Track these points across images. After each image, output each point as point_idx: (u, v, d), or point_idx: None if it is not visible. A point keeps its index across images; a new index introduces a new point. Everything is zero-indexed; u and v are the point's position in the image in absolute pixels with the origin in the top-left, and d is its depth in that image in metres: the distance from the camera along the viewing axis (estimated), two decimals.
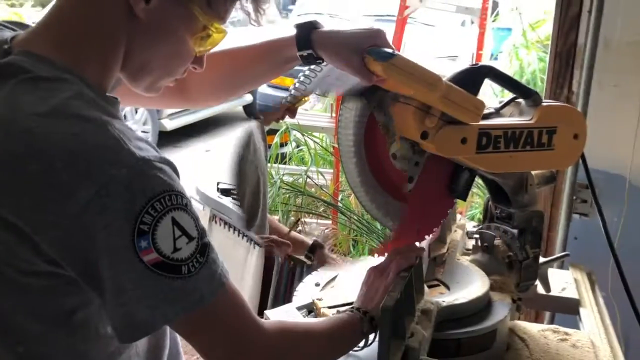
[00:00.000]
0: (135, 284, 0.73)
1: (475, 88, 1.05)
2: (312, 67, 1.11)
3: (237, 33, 1.00)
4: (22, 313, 0.78)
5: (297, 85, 1.14)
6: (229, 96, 1.21)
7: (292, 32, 1.06)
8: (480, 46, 3.85)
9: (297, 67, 1.14)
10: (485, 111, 1.12)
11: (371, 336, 0.98)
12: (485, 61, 4.23)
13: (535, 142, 1.13)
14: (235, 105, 7.70)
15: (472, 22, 5.06)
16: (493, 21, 5.41)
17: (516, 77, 4.57)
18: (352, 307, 0.99)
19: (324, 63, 1.07)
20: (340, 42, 1.00)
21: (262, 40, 1.12)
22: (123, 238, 0.71)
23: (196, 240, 0.75)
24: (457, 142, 1.05)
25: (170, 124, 6.23)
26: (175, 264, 0.73)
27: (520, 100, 1.17)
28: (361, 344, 0.97)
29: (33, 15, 11.68)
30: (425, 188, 1.13)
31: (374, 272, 1.05)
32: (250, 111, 7.82)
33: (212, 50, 0.93)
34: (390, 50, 0.97)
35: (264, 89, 6.50)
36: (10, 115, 0.73)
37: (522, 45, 4.69)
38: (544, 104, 1.14)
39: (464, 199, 1.21)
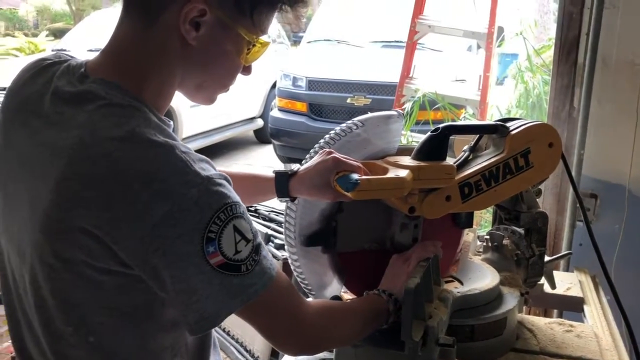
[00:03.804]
0: (204, 284, 0.83)
1: (442, 151, 1.14)
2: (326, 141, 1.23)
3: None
4: (96, 307, 0.88)
5: (325, 140, 1.24)
6: None
7: (271, 175, 1.19)
8: (487, 69, 3.98)
9: None
10: (462, 154, 1.22)
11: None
12: (492, 84, 4.35)
13: (514, 168, 1.19)
14: (246, 130, 7.87)
15: (479, 47, 5.21)
16: (498, 46, 5.56)
17: (522, 100, 4.68)
18: (378, 290, 1.11)
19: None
20: (311, 185, 1.13)
21: (247, 171, 1.27)
22: (194, 245, 0.81)
23: (252, 242, 0.86)
24: (443, 202, 1.14)
25: None
26: (237, 264, 0.84)
27: None
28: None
29: (48, 44, 11.99)
30: (434, 230, 1.24)
31: (398, 260, 1.17)
32: (261, 136, 7.99)
33: None
34: (354, 179, 1.05)
35: (275, 113, 6.67)
36: (90, 140, 0.83)
37: (527, 69, 4.80)
38: (512, 132, 1.20)
39: (470, 226, 1.31)
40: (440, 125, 1.16)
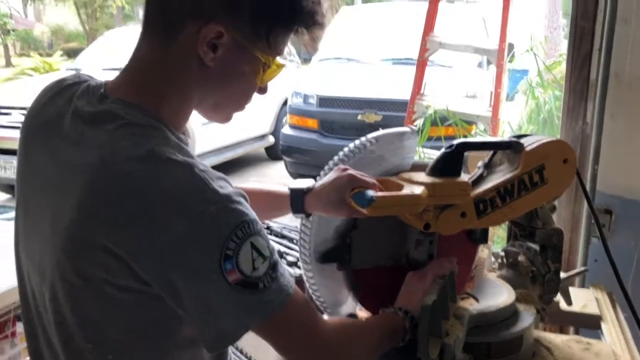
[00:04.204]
0: (221, 301, 0.84)
1: (457, 168, 1.14)
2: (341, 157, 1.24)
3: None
4: (115, 324, 0.89)
5: (339, 157, 1.24)
6: None
7: (287, 191, 1.20)
8: (498, 85, 3.99)
9: None
10: (477, 170, 1.22)
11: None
12: (503, 100, 4.35)
13: (529, 184, 1.18)
14: (258, 147, 7.90)
15: (489, 63, 5.21)
16: (509, 62, 5.56)
17: (533, 115, 4.67)
18: (394, 307, 1.11)
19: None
20: (327, 201, 1.14)
21: (262, 187, 1.28)
22: (212, 262, 0.82)
23: (269, 259, 0.87)
24: (458, 218, 1.13)
25: None
26: (254, 281, 0.85)
27: None
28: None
29: (62, 64, 12.17)
30: (449, 246, 1.24)
31: (414, 277, 1.17)
32: (272, 153, 8.02)
33: None
34: (369, 195, 1.06)
35: (286, 130, 6.70)
36: (110, 159, 0.84)
37: (538, 84, 4.80)
38: (527, 148, 1.19)
39: (486, 242, 1.31)
40: (455, 142, 1.16)
